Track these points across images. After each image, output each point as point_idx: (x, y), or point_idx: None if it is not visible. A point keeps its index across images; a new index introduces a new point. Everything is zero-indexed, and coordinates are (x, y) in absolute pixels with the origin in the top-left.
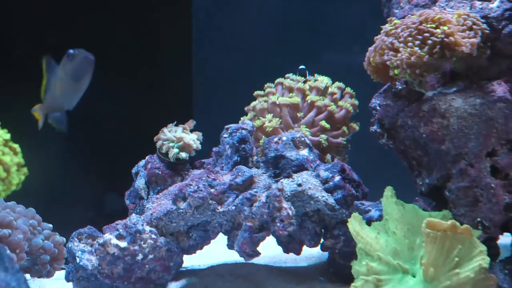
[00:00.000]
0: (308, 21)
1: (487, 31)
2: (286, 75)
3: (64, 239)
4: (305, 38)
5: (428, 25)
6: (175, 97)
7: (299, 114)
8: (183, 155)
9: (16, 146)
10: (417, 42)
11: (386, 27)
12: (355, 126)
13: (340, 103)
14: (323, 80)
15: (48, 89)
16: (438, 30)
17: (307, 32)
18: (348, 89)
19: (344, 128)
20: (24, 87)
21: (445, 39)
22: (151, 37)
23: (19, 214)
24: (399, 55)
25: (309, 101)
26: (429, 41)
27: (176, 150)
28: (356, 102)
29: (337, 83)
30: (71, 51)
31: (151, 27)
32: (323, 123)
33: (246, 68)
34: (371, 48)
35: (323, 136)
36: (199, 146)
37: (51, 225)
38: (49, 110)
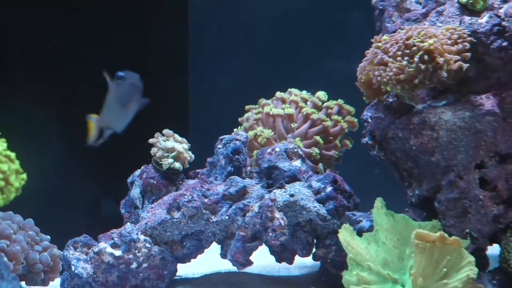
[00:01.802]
0: (307, 30)
1: (474, 42)
2: (288, 91)
3: (61, 252)
4: (304, 47)
5: (415, 40)
6: (171, 106)
7: (293, 125)
8: (178, 165)
9: (12, 154)
10: (406, 58)
11: (375, 43)
12: (348, 143)
13: (335, 117)
14: (319, 95)
15: (104, 105)
16: (424, 44)
17: (306, 41)
18: (347, 106)
19: (337, 142)
20: (22, 91)
21: (431, 54)
22: (147, 46)
23: (18, 223)
24: (387, 69)
25: (304, 113)
26: (416, 57)
27: (170, 160)
28: (356, 121)
29: (335, 101)
30: (120, 73)
31: (147, 36)
32: (318, 138)
33: (243, 78)
34: (361, 65)
35: (316, 150)
36: (192, 156)
37: (49, 237)
38: (102, 125)
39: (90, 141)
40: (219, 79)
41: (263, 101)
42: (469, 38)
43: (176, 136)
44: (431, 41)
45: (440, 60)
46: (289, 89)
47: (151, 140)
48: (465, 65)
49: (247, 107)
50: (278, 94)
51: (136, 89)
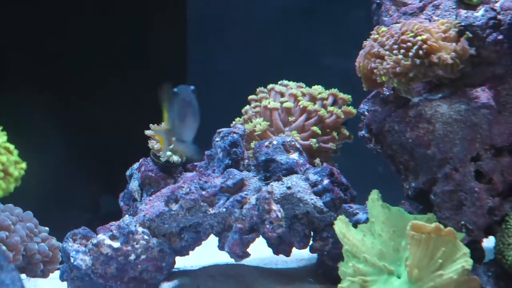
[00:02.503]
0: (306, 25)
1: (470, 36)
2: (279, 82)
3: (60, 244)
4: (303, 42)
5: (409, 34)
6: None
7: (291, 118)
8: (176, 158)
9: (11, 146)
10: (402, 51)
11: (374, 34)
12: (346, 132)
13: (330, 108)
14: (317, 88)
15: (169, 119)
16: (418, 38)
17: (305, 36)
18: (342, 95)
19: (334, 133)
20: (22, 91)
21: (426, 48)
22: (146, 41)
23: (17, 216)
24: (384, 63)
25: (301, 106)
26: (411, 52)
27: (169, 153)
28: (353, 109)
29: (330, 90)
30: (175, 89)
31: (146, 32)
32: (315, 128)
33: (241, 72)
34: (361, 52)
35: (313, 140)
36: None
37: (47, 228)
38: (172, 137)
39: (164, 153)
40: (218, 74)
41: (260, 93)
42: (466, 32)
43: None
44: (425, 36)
45: (434, 58)
46: (285, 82)
47: (148, 132)
48: (460, 65)
49: (249, 97)
50: (278, 87)
51: (187, 104)
